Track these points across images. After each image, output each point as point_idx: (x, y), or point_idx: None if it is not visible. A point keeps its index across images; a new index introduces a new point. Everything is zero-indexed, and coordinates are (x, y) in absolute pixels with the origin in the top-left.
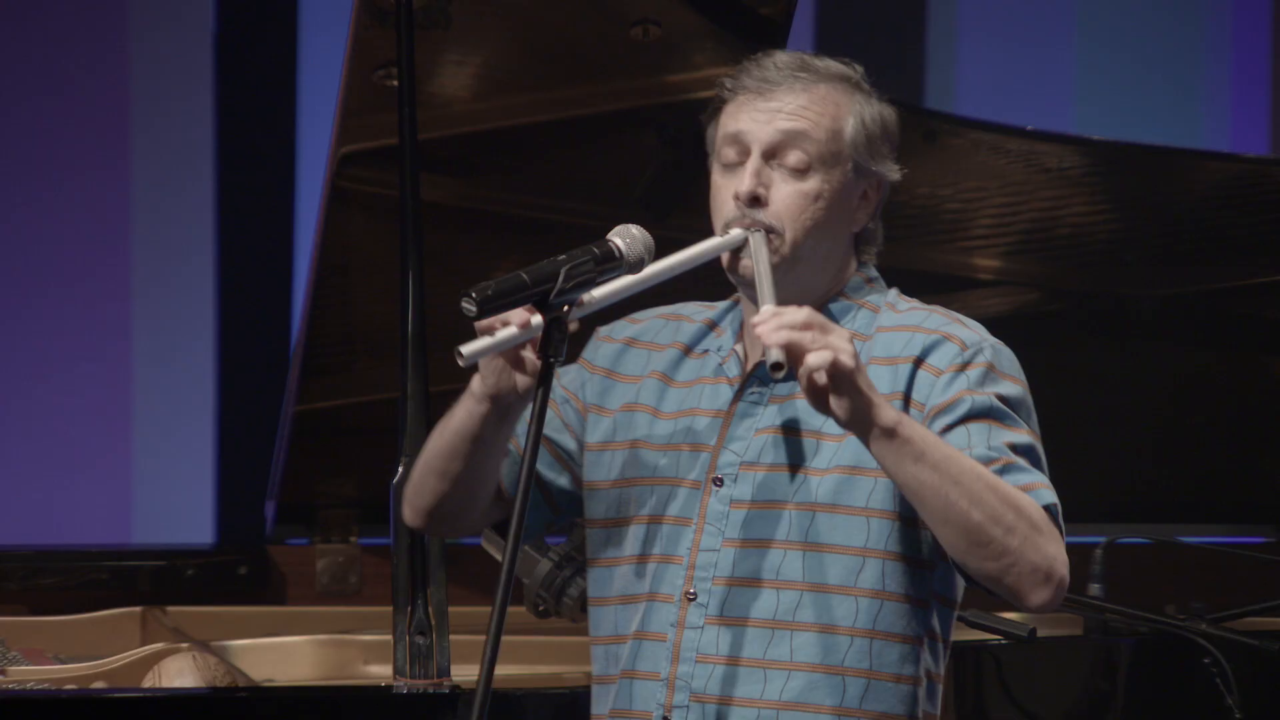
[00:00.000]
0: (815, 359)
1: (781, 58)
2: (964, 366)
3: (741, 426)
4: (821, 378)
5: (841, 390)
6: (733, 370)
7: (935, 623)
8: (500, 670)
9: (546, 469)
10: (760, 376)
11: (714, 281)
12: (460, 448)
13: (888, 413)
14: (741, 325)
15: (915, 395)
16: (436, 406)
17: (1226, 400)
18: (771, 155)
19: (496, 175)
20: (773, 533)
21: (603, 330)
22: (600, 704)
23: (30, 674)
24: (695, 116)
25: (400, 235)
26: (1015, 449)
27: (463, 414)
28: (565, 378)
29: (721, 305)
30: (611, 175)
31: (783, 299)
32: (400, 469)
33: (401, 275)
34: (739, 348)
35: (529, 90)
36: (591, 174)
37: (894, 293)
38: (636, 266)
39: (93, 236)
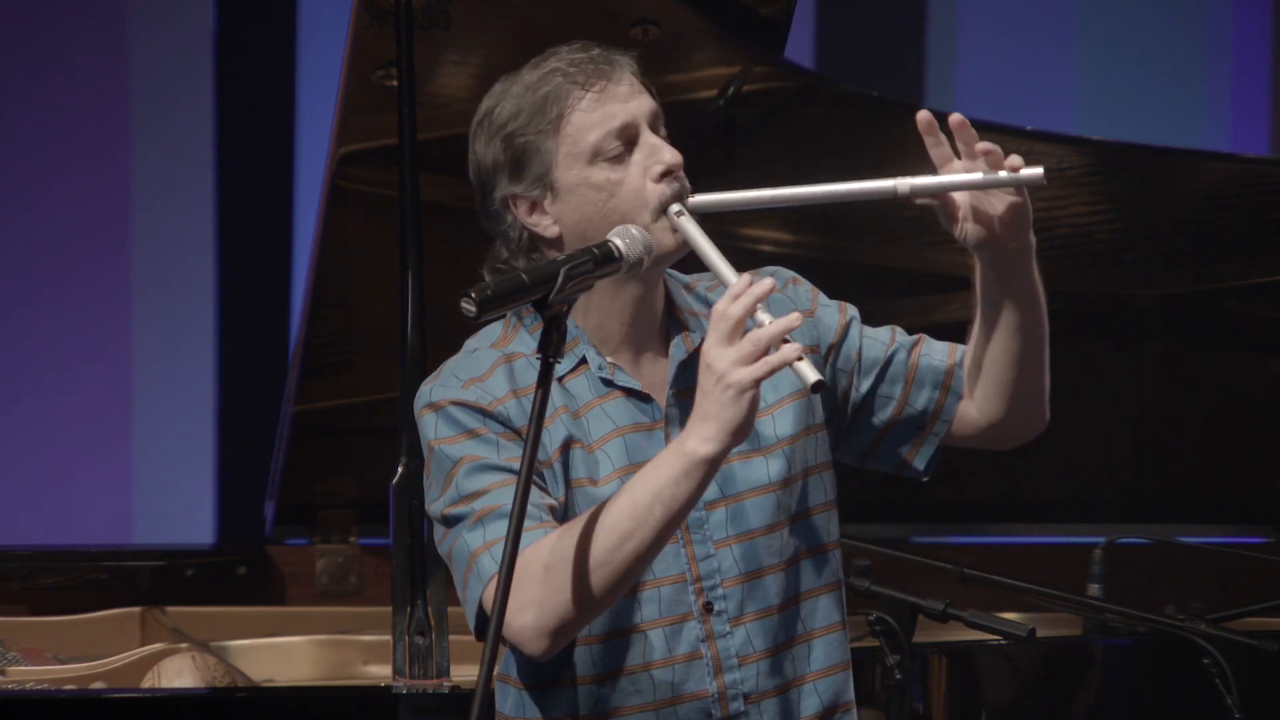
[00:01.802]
0: (1013, 162)
1: (572, 53)
2: (814, 295)
3: (675, 431)
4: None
5: (1029, 217)
6: (628, 381)
7: None
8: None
9: None
10: (674, 384)
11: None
12: (675, 526)
13: None
14: (588, 340)
15: (809, 342)
16: None
17: (1226, 400)
18: (654, 124)
19: None
20: (762, 518)
21: (480, 400)
22: None
23: (30, 674)
24: (694, 117)
25: (400, 235)
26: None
27: (692, 489)
28: (546, 446)
29: (522, 327)
30: None
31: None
32: (400, 469)
33: (401, 275)
34: (611, 359)
35: None
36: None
37: None
38: (636, 266)
39: (93, 236)
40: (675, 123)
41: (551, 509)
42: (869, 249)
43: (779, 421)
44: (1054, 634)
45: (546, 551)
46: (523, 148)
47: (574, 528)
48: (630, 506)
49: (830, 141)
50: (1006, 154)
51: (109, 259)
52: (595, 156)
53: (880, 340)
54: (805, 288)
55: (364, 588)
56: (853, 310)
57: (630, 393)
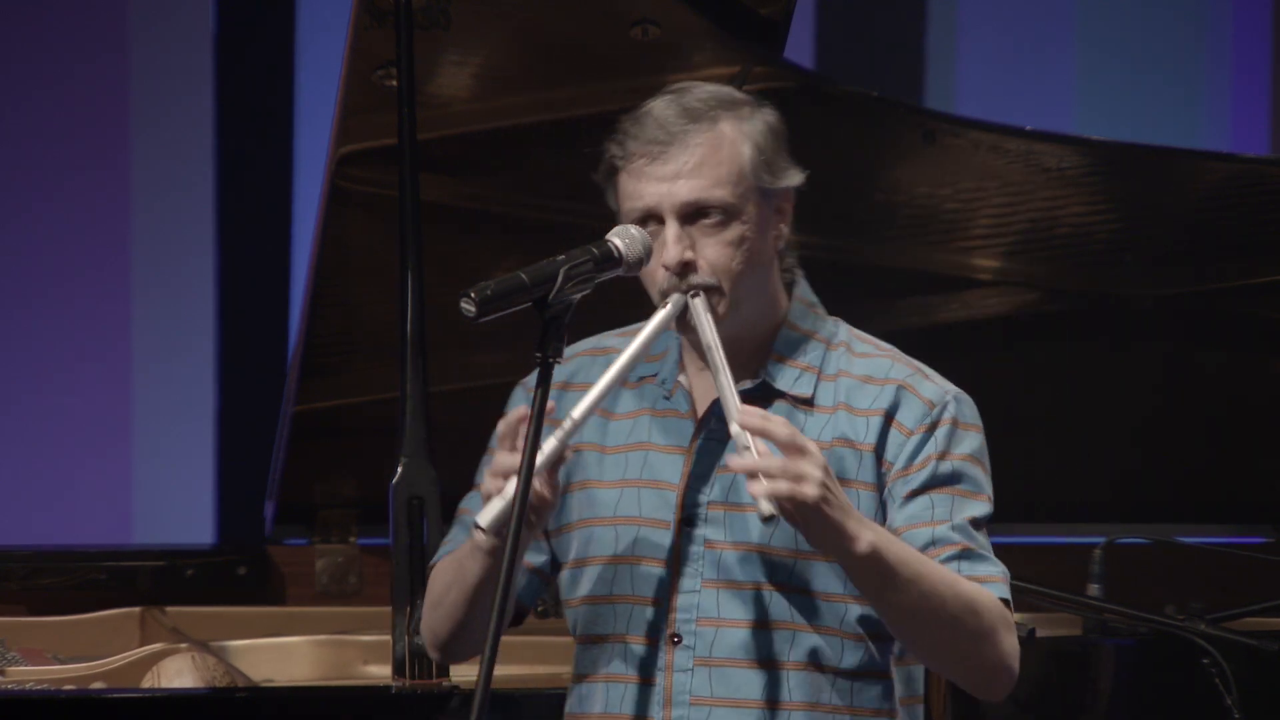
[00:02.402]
0: (779, 491)
1: (661, 111)
2: (932, 427)
3: (703, 464)
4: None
5: (809, 519)
6: (683, 405)
7: (901, 649)
8: (499, 670)
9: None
10: (718, 414)
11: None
12: (477, 596)
13: (861, 540)
14: (680, 355)
15: (886, 454)
16: (436, 406)
17: (1226, 400)
18: (688, 216)
19: (496, 175)
20: (756, 575)
21: (528, 381)
22: None
23: (30, 674)
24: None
25: (400, 235)
26: (976, 523)
27: (475, 569)
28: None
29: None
30: None
31: (732, 343)
32: (400, 469)
33: (401, 275)
34: (683, 379)
35: (529, 90)
36: (591, 174)
37: (844, 327)
38: (635, 267)
39: (93, 236)
40: None
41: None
42: (869, 249)
43: None
44: (1054, 634)
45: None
46: (602, 181)
47: (445, 562)
48: (451, 562)
49: (830, 141)
50: (1007, 154)
51: (109, 259)
52: (627, 220)
53: (921, 522)
54: (921, 408)
55: (364, 588)
56: (948, 473)
57: (683, 414)
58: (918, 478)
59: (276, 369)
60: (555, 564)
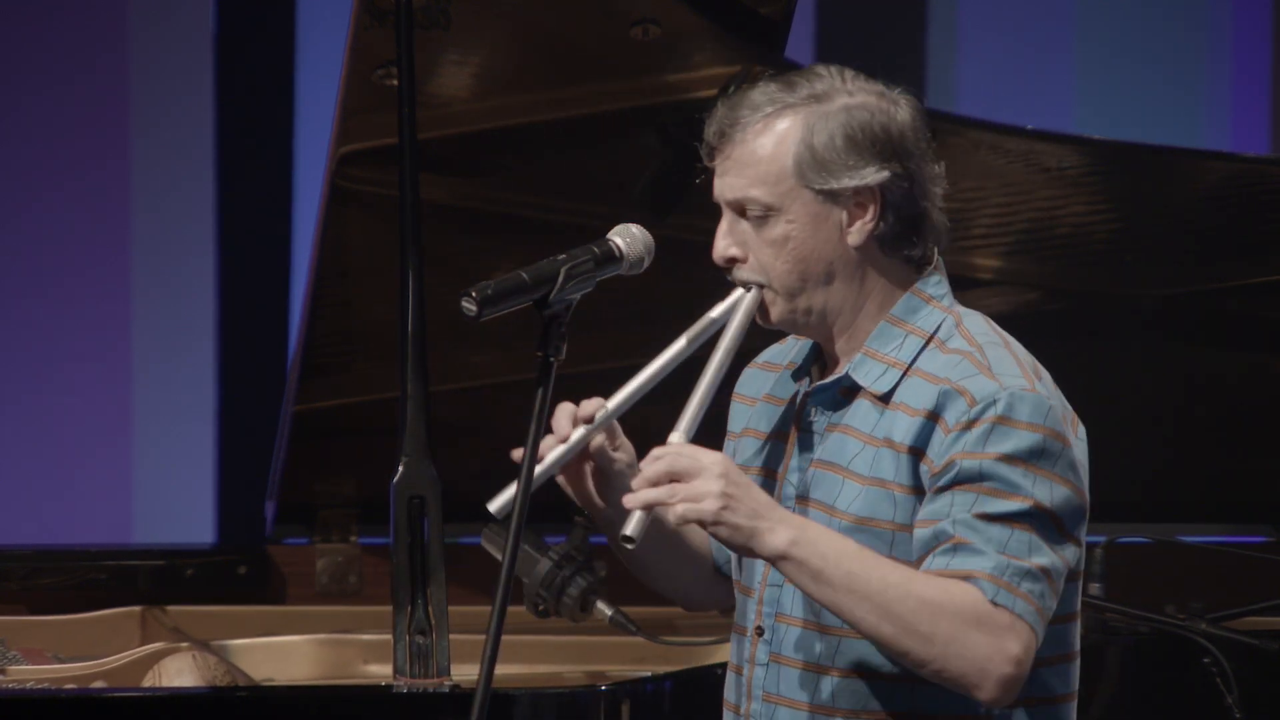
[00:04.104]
0: (676, 514)
1: (731, 100)
2: (969, 425)
3: (800, 456)
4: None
5: (719, 530)
6: (801, 388)
7: None
8: (500, 670)
9: None
10: (815, 402)
11: None
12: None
13: (777, 538)
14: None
15: (929, 452)
16: (436, 406)
17: (1227, 400)
18: (738, 211)
19: (496, 175)
20: None
21: (767, 357)
22: None
23: (30, 674)
24: (695, 116)
25: (400, 235)
26: (990, 518)
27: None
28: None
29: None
30: (611, 175)
31: (822, 342)
32: (400, 468)
33: (401, 275)
34: (816, 369)
35: (529, 90)
36: (591, 174)
37: (967, 322)
38: (636, 266)
39: (93, 236)
40: (676, 123)
41: None
42: None
43: (864, 459)
44: None
45: None
46: None
47: None
48: None
49: None
50: (1007, 154)
51: (109, 259)
52: None
53: (933, 519)
54: (962, 405)
55: (364, 587)
56: (974, 470)
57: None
58: (945, 476)
59: (276, 369)
60: None
